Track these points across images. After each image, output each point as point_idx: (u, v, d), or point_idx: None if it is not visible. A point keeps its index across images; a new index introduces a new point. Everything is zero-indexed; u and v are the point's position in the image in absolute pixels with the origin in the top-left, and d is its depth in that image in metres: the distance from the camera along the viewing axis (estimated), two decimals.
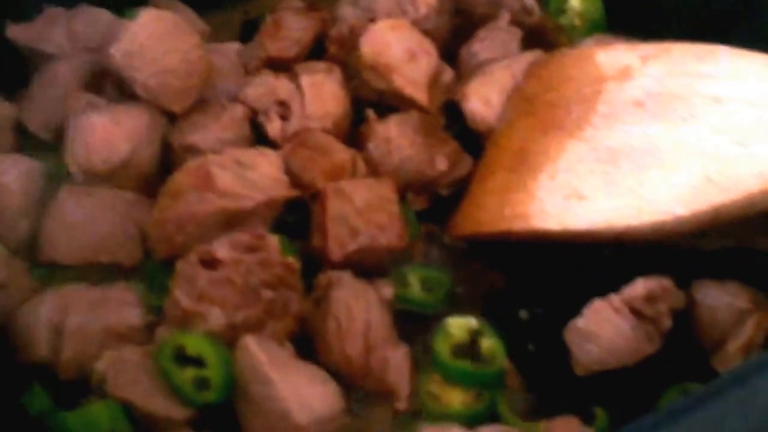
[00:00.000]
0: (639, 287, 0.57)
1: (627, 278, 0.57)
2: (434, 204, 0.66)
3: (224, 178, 0.59)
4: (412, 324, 0.59)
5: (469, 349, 0.57)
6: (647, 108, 0.59)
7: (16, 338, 0.55)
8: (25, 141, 0.64)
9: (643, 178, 0.57)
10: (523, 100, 0.65)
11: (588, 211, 0.57)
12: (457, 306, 0.60)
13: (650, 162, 0.57)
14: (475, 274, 0.63)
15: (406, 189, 0.64)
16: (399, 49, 0.67)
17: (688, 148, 0.56)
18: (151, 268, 0.59)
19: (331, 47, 0.69)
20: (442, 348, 0.56)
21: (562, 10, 0.75)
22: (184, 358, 0.52)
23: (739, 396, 0.42)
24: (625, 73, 0.61)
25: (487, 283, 0.63)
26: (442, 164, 0.64)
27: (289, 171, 0.62)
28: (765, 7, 0.63)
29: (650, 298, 0.57)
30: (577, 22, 0.75)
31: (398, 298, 0.59)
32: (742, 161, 0.53)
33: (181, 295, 0.54)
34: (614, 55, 0.63)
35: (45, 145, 0.63)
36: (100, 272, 0.59)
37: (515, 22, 0.73)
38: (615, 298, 0.57)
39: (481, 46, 0.71)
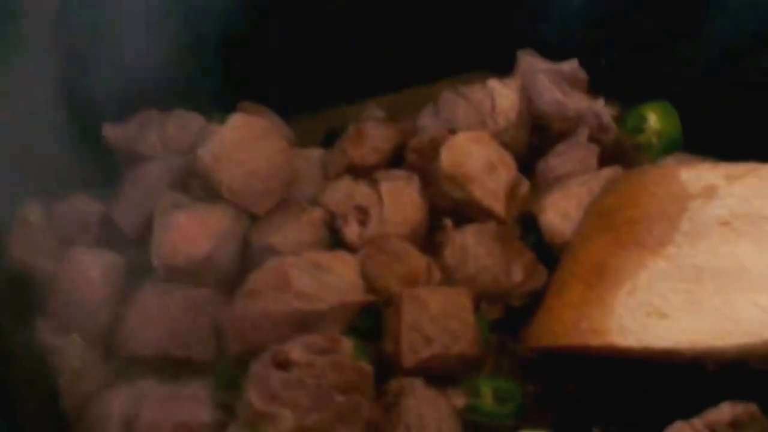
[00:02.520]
0: (725, 412, 0.55)
1: (710, 402, 0.56)
2: (507, 314, 0.66)
3: (301, 279, 0.60)
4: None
5: None
6: (734, 228, 0.58)
7: (88, 429, 0.56)
8: (111, 236, 0.66)
9: (730, 299, 0.55)
10: (601, 216, 0.65)
11: (670, 330, 0.56)
12: (528, 419, 0.59)
13: (737, 283, 0.56)
14: (547, 388, 0.62)
15: (480, 298, 0.64)
16: (479, 161, 0.68)
17: None
18: (224, 366, 0.59)
19: (411, 156, 0.71)
20: None
21: (639, 129, 0.76)
22: None
23: None
24: (710, 192, 0.61)
25: (559, 397, 0.61)
26: (517, 275, 0.64)
27: (365, 275, 0.63)
28: None
29: (735, 424, 0.55)
30: (654, 140, 0.75)
31: (469, 408, 0.59)
32: None
33: (254, 396, 0.54)
34: (698, 174, 0.63)
35: (130, 241, 0.66)
36: (173, 367, 0.59)
37: (592, 138, 0.74)
38: (698, 422, 0.55)
39: (559, 160, 0.72)
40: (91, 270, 0.62)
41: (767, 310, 0.53)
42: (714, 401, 0.56)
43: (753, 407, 0.54)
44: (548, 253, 0.67)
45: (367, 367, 0.56)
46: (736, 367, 0.57)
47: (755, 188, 0.59)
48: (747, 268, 0.56)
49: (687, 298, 0.57)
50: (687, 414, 0.55)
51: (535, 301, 0.65)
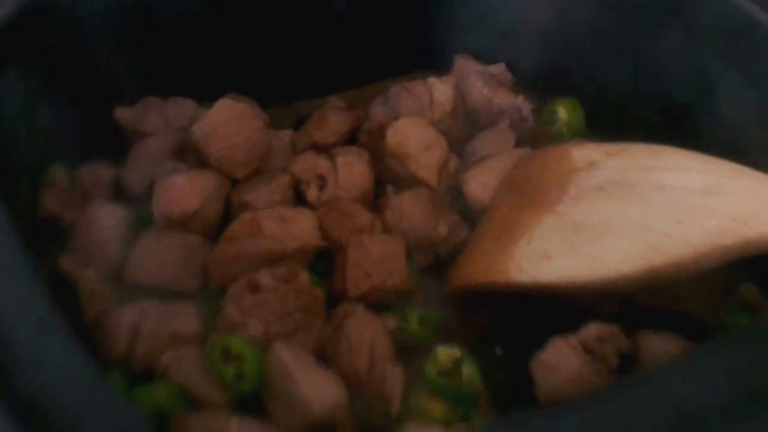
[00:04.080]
0: (592, 330, 0.70)
1: (584, 323, 0.72)
2: (435, 262, 0.81)
3: (270, 227, 0.75)
4: (409, 351, 0.73)
5: (451, 372, 0.71)
6: (606, 191, 0.74)
7: (102, 338, 0.70)
8: (121, 194, 0.80)
9: (599, 244, 0.70)
10: (511, 185, 0.81)
11: (554, 268, 0.71)
12: (446, 340, 0.73)
13: (605, 233, 0.71)
14: (463, 316, 0.77)
15: (413, 248, 0.80)
16: (416, 141, 0.84)
17: (636, 223, 0.70)
18: (207, 295, 0.74)
19: (363, 137, 0.86)
20: (431, 370, 0.70)
21: (552, 121, 0.92)
22: (228, 357, 0.67)
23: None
24: (592, 165, 0.77)
25: (472, 324, 0.77)
26: (443, 231, 0.80)
27: (321, 228, 0.78)
28: (699, 119, 0.80)
29: (600, 340, 0.70)
30: (564, 130, 0.91)
31: (399, 329, 0.74)
32: (677, 234, 0.67)
33: (230, 311, 0.70)
34: (584, 152, 0.78)
35: (136, 198, 0.80)
36: (168, 296, 0.75)
37: (513, 127, 0.90)
38: (572, 338, 0.71)
39: (483, 143, 0.88)
40: (105, 219, 0.76)
41: (624, 251, 0.68)
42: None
43: (615, 327, 0.70)
44: (471, 215, 0.83)
45: (320, 294, 0.72)
46: (625, 304, 0.73)
47: (625, 161, 0.75)
48: (613, 222, 0.70)
49: (568, 244, 0.72)
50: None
51: (457, 251, 0.81)
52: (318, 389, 0.65)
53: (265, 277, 0.71)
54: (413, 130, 0.84)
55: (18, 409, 0.47)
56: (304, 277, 0.72)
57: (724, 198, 0.66)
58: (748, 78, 0.76)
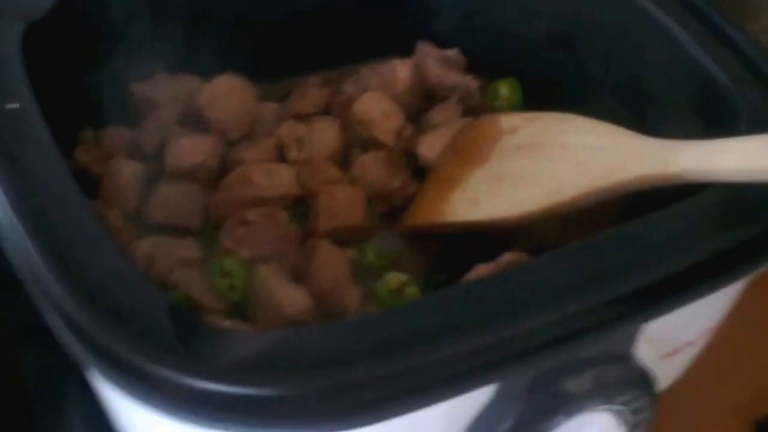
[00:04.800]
0: (506, 257, 0.88)
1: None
2: (391, 211, 0.99)
3: (259, 178, 0.93)
4: (365, 277, 0.89)
5: (398, 293, 0.90)
6: (523, 150, 0.91)
7: None
8: (137, 153, 0.98)
9: (516, 191, 0.88)
10: (453, 147, 0.99)
11: (480, 210, 0.89)
12: (397, 270, 0.90)
13: (521, 182, 0.88)
14: (411, 251, 0.96)
15: (373, 199, 0.97)
16: (378, 111, 1.01)
17: (543, 173, 0.87)
18: (208, 230, 0.92)
19: (336, 108, 1.03)
20: (381, 290, 0.88)
21: (495, 97, 1.09)
22: (223, 274, 0.86)
23: None
24: (514, 130, 0.94)
25: (419, 257, 0.96)
26: (397, 184, 0.97)
27: (299, 180, 0.95)
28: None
29: (511, 264, 0.89)
30: (504, 105, 1.08)
31: (358, 261, 0.91)
32: (572, 180, 0.84)
33: (225, 240, 0.88)
34: (510, 119, 0.96)
35: (150, 156, 0.98)
36: (176, 231, 0.92)
37: (461, 101, 1.08)
38: (491, 264, 0.88)
39: (435, 114, 1.04)
40: (125, 172, 0.93)
41: (534, 195, 0.85)
42: None
43: (524, 255, 0.88)
44: (422, 173, 1.02)
45: (295, 228, 0.90)
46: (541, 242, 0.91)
47: (539, 126, 0.92)
48: (526, 173, 0.87)
49: (492, 191, 0.89)
50: None
51: (409, 202, 0.98)
52: (291, 297, 0.83)
53: (252, 215, 0.89)
54: (376, 102, 1.02)
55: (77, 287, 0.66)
56: (283, 215, 0.90)
57: (605, 152, 0.84)
58: None
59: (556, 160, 0.88)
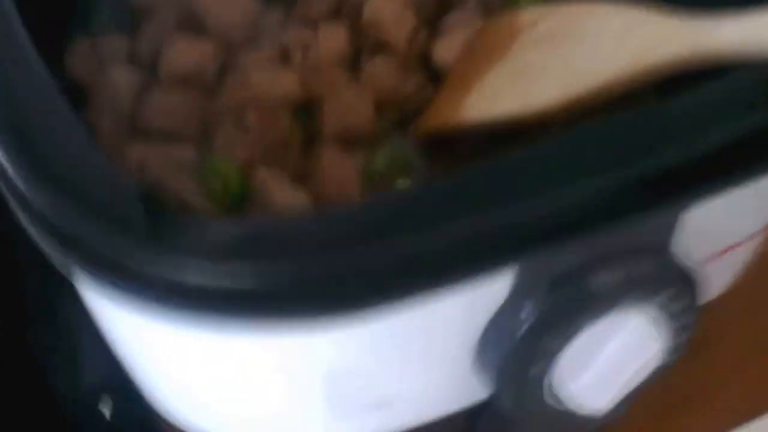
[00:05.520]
0: None
1: None
2: (404, 117, 0.93)
3: (259, 80, 0.87)
4: (373, 185, 0.85)
5: None
6: (543, 44, 0.86)
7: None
8: (134, 60, 0.95)
9: (531, 86, 0.82)
10: (470, 48, 0.93)
11: (496, 107, 0.84)
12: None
13: (537, 77, 0.83)
14: (426, 163, 0.90)
15: (383, 104, 0.91)
16: (390, 14, 0.96)
17: (562, 65, 0.82)
18: (205, 140, 0.88)
19: (345, 11, 0.97)
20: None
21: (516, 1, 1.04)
22: (218, 176, 0.80)
23: None
24: (534, 24, 0.88)
25: (435, 169, 0.90)
26: (409, 88, 0.92)
27: (305, 85, 0.91)
28: None
29: None
30: (525, 4, 1.02)
31: (367, 168, 0.86)
32: (595, 69, 0.78)
33: (221, 143, 0.83)
34: (529, 14, 0.90)
35: (146, 65, 0.95)
36: (171, 139, 0.88)
37: (480, 4, 1.02)
38: None
39: (452, 18, 0.99)
40: (121, 79, 0.89)
41: (550, 88, 0.79)
42: None
43: None
44: (438, 77, 0.96)
45: (297, 131, 0.85)
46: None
47: (562, 18, 0.86)
48: (543, 67, 0.82)
49: (507, 88, 0.83)
50: None
51: (423, 108, 0.92)
52: (290, 201, 0.78)
53: (252, 116, 0.84)
54: (387, 5, 0.96)
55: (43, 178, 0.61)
56: (286, 118, 0.85)
57: (634, 36, 0.77)
58: None
59: (578, 50, 0.81)
